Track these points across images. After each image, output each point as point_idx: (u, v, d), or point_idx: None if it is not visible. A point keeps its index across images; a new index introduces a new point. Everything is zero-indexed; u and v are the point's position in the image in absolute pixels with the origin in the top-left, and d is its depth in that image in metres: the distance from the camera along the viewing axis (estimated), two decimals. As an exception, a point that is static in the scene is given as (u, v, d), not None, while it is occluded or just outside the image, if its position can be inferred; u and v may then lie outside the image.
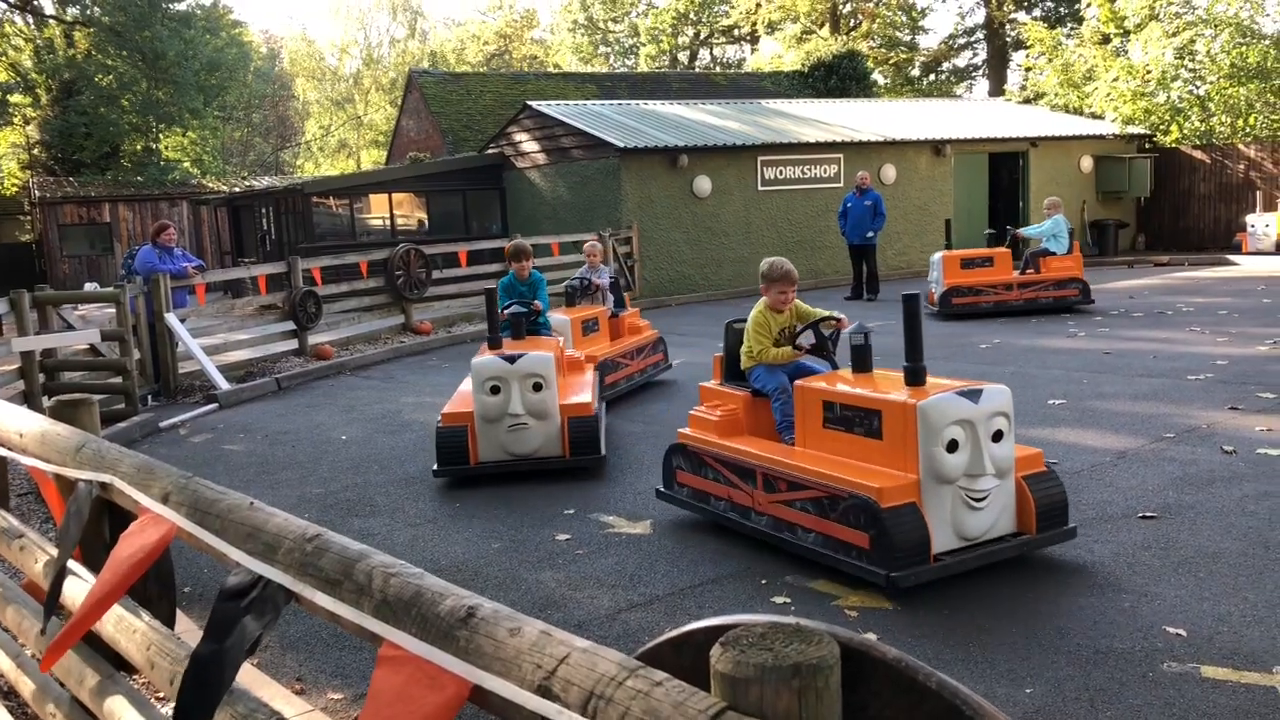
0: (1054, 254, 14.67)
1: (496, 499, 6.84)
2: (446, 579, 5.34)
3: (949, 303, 14.10)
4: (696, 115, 22.66)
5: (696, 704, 1.14)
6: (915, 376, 5.13)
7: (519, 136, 22.20)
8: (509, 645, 1.36)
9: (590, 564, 5.54)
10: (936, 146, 21.98)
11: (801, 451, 5.46)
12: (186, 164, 36.12)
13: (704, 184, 19.66)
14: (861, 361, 5.62)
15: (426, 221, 22.97)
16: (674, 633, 1.36)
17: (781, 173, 20.51)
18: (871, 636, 4.36)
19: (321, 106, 59.21)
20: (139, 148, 35.00)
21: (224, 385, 11.55)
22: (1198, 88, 24.49)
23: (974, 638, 4.35)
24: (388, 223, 22.76)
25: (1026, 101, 28.93)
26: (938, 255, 14.56)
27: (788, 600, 4.89)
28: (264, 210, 24.45)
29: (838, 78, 31.57)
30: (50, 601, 2.85)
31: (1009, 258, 14.67)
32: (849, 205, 17.18)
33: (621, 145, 18.88)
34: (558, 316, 9.56)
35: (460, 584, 5.23)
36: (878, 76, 39.11)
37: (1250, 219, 21.10)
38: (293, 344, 13.81)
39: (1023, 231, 15.61)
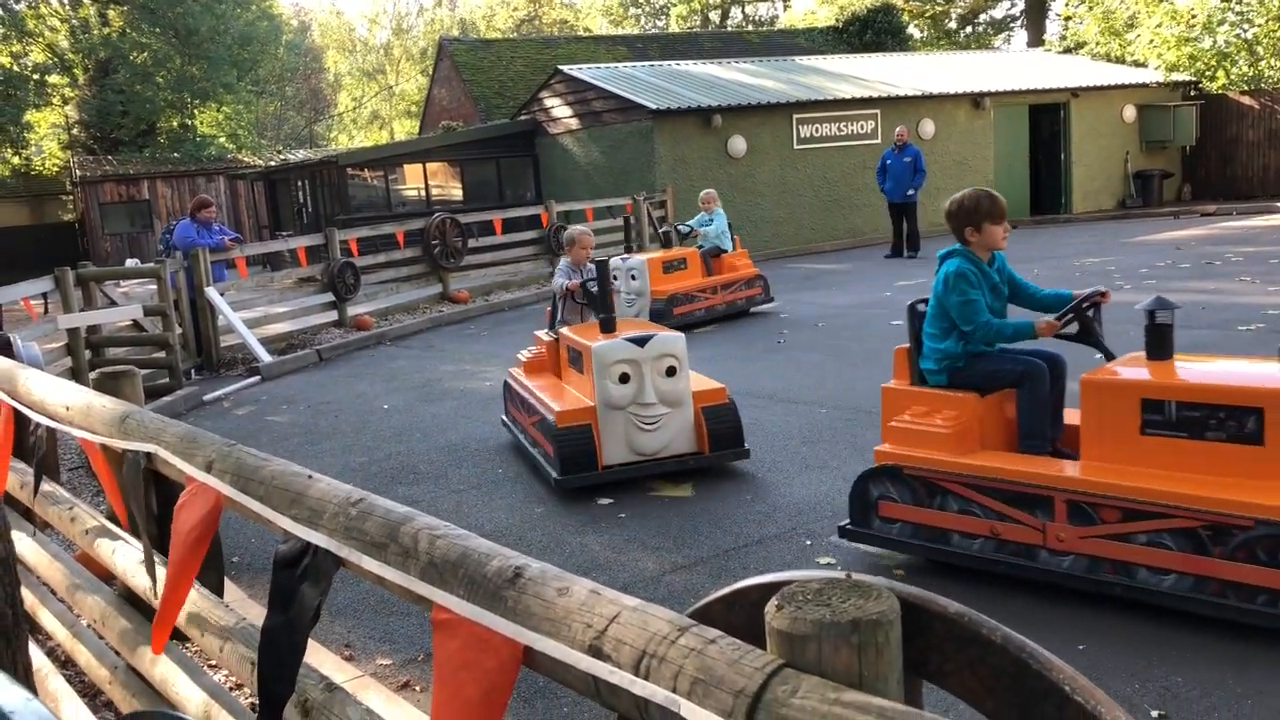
0: (726, 251, 12.75)
1: (538, 465, 6.84)
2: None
3: (672, 314, 11.28)
4: (730, 75, 22.42)
5: (752, 661, 1.11)
6: None
7: (551, 102, 22.08)
8: (558, 605, 1.33)
9: (634, 527, 5.53)
10: (975, 100, 21.61)
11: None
12: (222, 139, 36.31)
13: (739, 144, 19.47)
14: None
15: (461, 190, 22.96)
16: (725, 590, 1.33)
17: (818, 130, 20.26)
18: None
19: (353, 78, 59.25)
20: (175, 124, 35.24)
21: (266, 358, 11.64)
22: (1245, 31, 23.85)
23: (1024, 592, 4.29)
24: (423, 193, 22.78)
25: (1066, 51, 28.33)
26: (639, 259, 11.87)
27: (833, 560, 4.86)
28: (300, 183, 24.55)
29: (873, 32, 31.10)
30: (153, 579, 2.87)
31: (699, 258, 12.39)
32: (888, 162, 16.93)
33: (654, 107, 18.72)
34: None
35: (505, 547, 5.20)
36: (913, 30, 38.47)
37: (1300, 165, 20.60)
38: (332, 315, 13.89)
39: (684, 227, 13.23)
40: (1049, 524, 4.18)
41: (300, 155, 35.30)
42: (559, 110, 21.84)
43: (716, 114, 19.15)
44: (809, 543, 5.10)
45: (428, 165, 22.85)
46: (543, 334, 7.58)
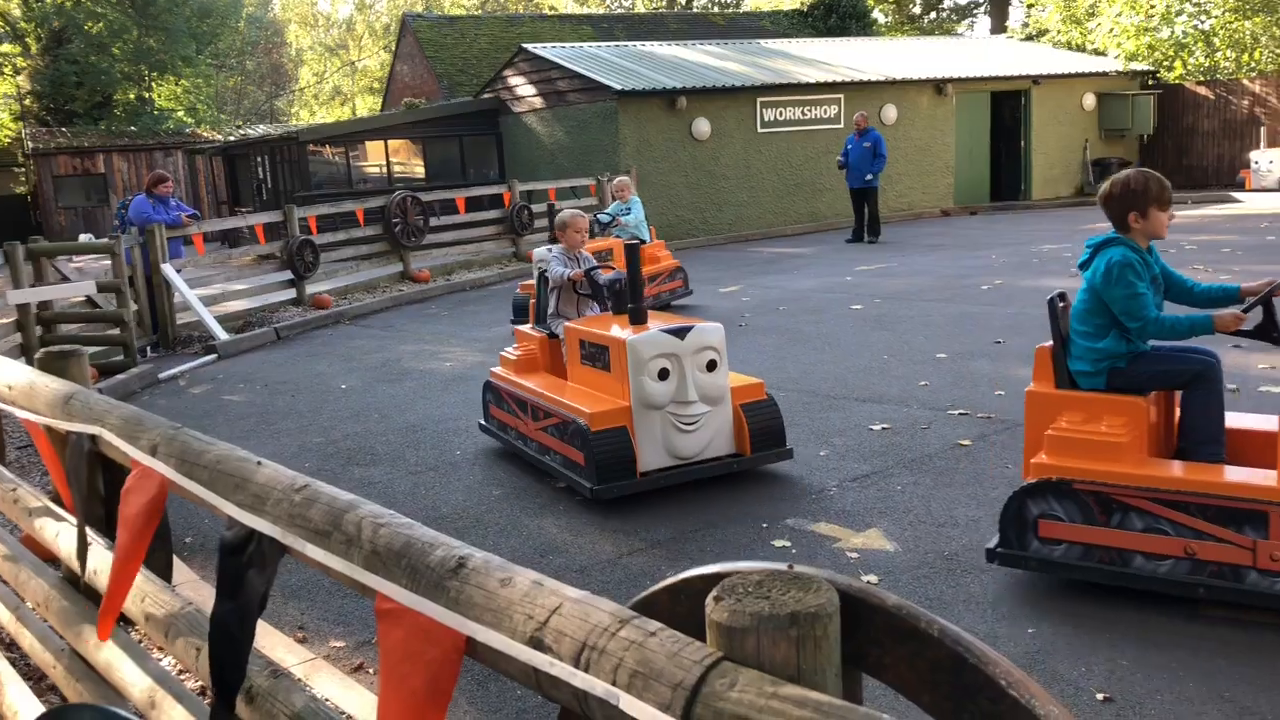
0: (645, 242, 11.76)
1: (497, 446, 6.82)
2: (447, 526, 5.32)
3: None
4: (695, 56, 22.36)
5: (691, 654, 1.10)
6: None
7: (515, 80, 21.93)
8: (500, 596, 1.32)
9: (592, 509, 5.53)
10: (938, 86, 21.71)
11: None
12: (180, 113, 35.72)
13: (703, 126, 19.45)
14: None
15: (424, 168, 22.77)
16: (671, 580, 1.33)
17: (781, 114, 20.28)
18: (873, 579, 4.35)
19: (315, 53, 58.49)
20: (131, 96, 34.60)
21: (223, 336, 11.50)
22: (1202, 22, 24.13)
23: (975, 578, 4.34)
24: (384, 170, 22.57)
25: (1029, 39, 28.52)
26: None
27: (789, 544, 4.89)
28: (259, 159, 24.24)
29: (837, 16, 31.13)
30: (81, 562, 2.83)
31: (624, 249, 12.10)
32: (849, 148, 16.98)
33: (619, 88, 18.65)
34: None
35: (461, 531, 5.21)
36: (878, 15, 38.54)
37: (1254, 155, 20.90)
38: (291, 293, 13.75)
39: (604, 216, 12.00)
40: (1261, 542, 3.74)
41: (260, 130, 34.78)
42: (523, 89, 21.69)
43: (681, 96, 19.10)
44: (765, 526, 5.12)
45: (390, 142, 22.63)
46: (527, 328, 6.94)
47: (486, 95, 22.97)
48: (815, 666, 1.09)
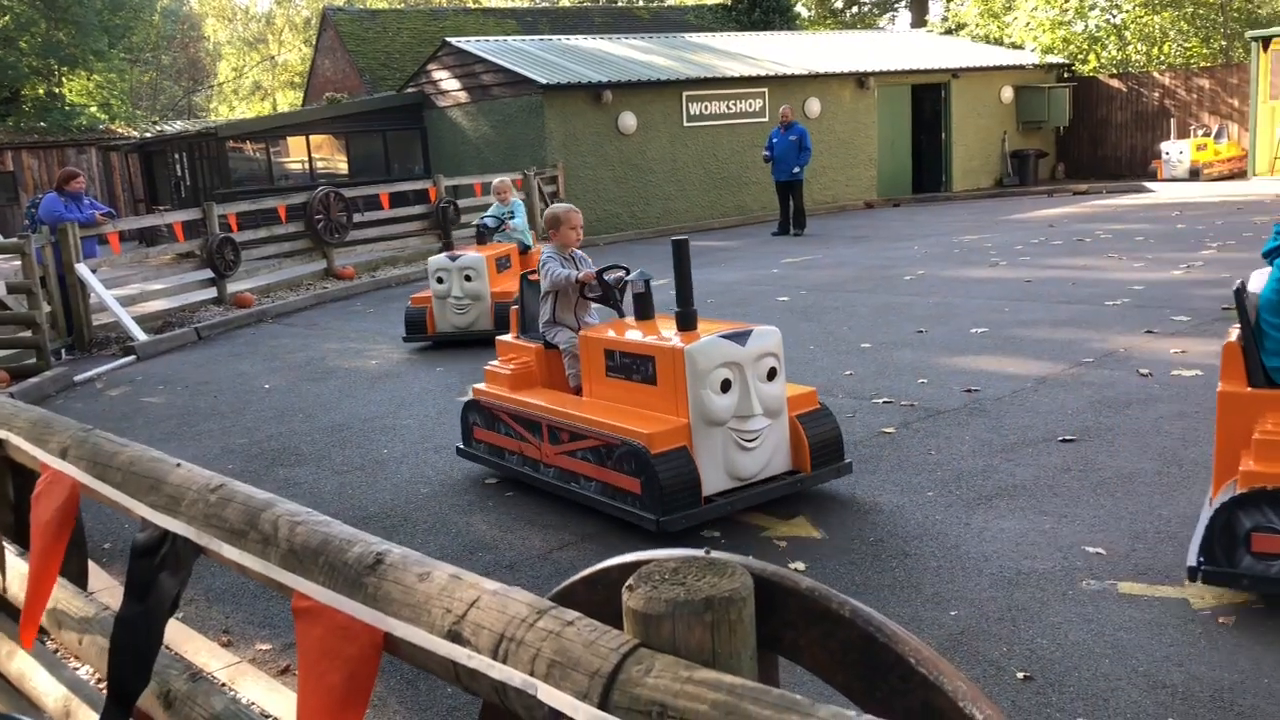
0: (530, 247, 10.88)
1: (426, 444, 6.76)
2: (375, 525, 5.26)
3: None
4: (620, 50, 22.36)
5: (608, 642, 1.11)
6: None
7: (439, 75, 21.72)
8: (418, 590, 1.32)
9: (522, 505, 5.51)
10: (860, 79, 21.97)
11: None
12: (93, 109, 34.73)
13: (629, 120, 19.46)
14: None
15: (347, 164, 22.45)
16: (588, 570, 1.34)
17: (707, 108, 20.37)
18: (800, 566, 4.40)
19: (233, 47, 57.29)
20: (41, 92, 33.56)
21: (141, 336, 11.24)
22: (1114, 16, 24.76)
23: (900, 563, 4.42)
24: (306, 166, 22.22)
25: (948, 32, 29.01)
26: (475, 255, 10.02)
27: (718, 534, 4.92)
28: (177, 156, 23.70)
29: (761, 10, 31.32)
30: None
31: (519, 255, 10.83)
32: (774, 141, 17.12)
33: (544, 82, 18.57)
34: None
35: (389, 530, 5.15)
36: (801, 9, 38.87)
37: (1165, 146, 21.49)
38: (211, 292, 13.48)
39: (490, 220, 10.92)
40: None
41: (178, 126, 33.98)
42: (447, 83, 21.50)
43: (607, 90, 19.09)
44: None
45: (311, 138, 22.27)
46: (509, 338, 6.24)
47: (410, 90, 22.72)
48: (730, 650, 1.10)
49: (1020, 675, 3.48)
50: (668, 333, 5.12)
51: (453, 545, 5.01)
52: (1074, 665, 3.52)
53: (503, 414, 5.73)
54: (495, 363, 6.09)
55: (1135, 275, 10.72)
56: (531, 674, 1.14)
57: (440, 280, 9.87)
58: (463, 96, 21.02)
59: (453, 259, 9.96)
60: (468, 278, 9.80)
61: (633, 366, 5.13)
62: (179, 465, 1.98)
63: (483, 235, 10.70)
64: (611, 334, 5.38)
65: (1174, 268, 11.02)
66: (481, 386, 6.03)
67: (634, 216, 19.75)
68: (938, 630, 3.82)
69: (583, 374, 5.50)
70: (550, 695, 1.11)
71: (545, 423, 5.40)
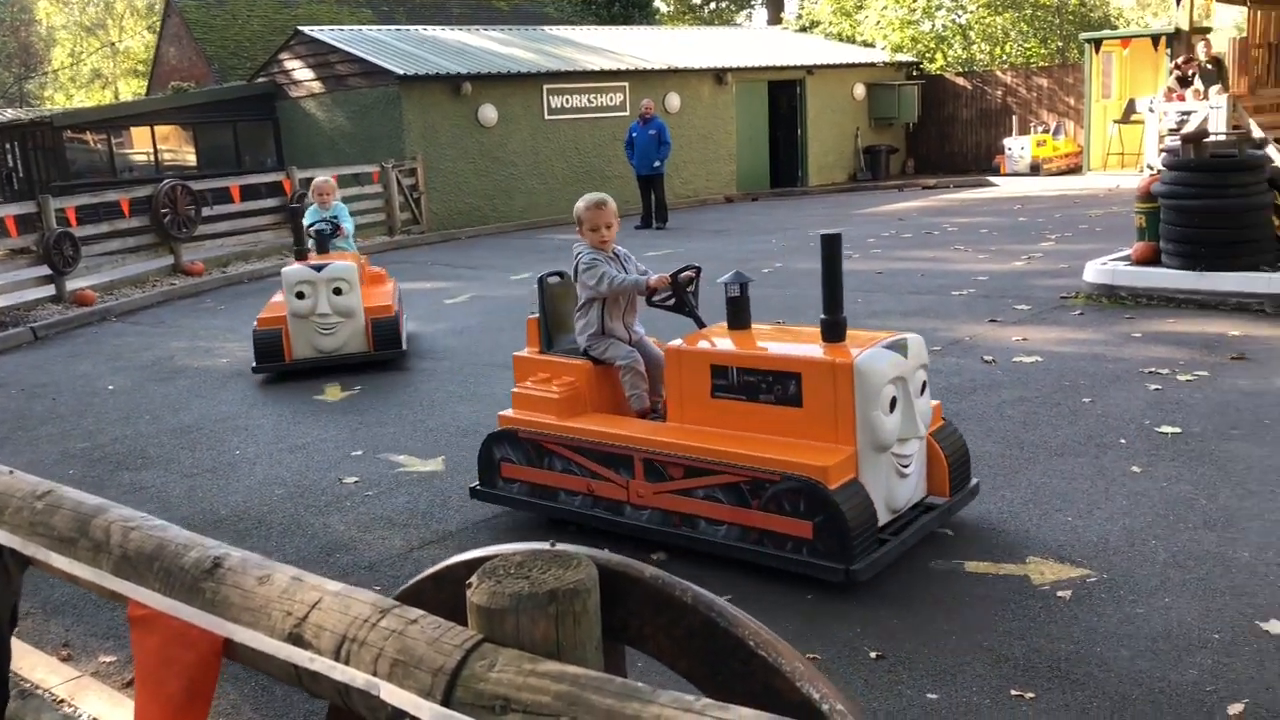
0: (348, 250, 9.38)
1: (281, 445, 6.58)
2: (226, 530, 5.07)
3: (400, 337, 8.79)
4: (479, 42, 22.12)
5: (452, 639, 1.11)
6: None
7: (291, 64, 21.09)
8: (258, 594, 1.29)
9: (381, 504, 5.42)
10: (719, 75, 22.27)
11: None
12: (-86, 95, 32.60)
13: (489, 113, 19.28)
14: None
15: (195, 155, 21.62)
16: (436, 568, 1.32)
17: (568, 101, 20.34)
18: (661, 556, 4.42)
19: (70, 32, 54.48)
20: None
21: (-30, 337, 10.61)
22: (959, 16, 25.73)
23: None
24: (152, 158, 21.31)
25: (803, 30, 29.65)
26: (344, 265, 8.51)
27: (576, 527, 4.93)
28: (9, 146, 22.41)
29: (621, 4, 31.43)
30: None
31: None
32: (634, 135, 17.24)
33: (401, 73, 18.24)
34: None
35: (241, 534, 4.99)
36: (660, 4, 39.17)
37: (1007, 142, 22.43)
38: (49, 290, 12.82)
39: (325, 226, 9.20)
40: None
41: (9, 115, 32.18)
42: (300, 73, 20.90)
43: (466, 82, 18.87)
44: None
45: (156, 128, 21.36)
46: (530, 354, 5.22)
47: (262, 79, 22.00)
48: (575, 641, 1.11)
49: (873, 654, 3.59)
50: (809, 345, 4.44)
51: (309, 548, 4.89)
52: (924, 642, 3.65)
53: (558, 447, 4.77)
54: (528, 384, 5.04)
55: (980, 266, 11.17)
56: (374, 674, 1.12)
57: (301, 295, 8.25)
58: (317, 87, 20.48)
59: (317, 269, 8.36)
60: (338, 290, 8.32)
61: (762, 385, 4.35)
62: (11, 473, 1.88)
63: (323, 242, 9.02)
64: (725, 346, 4.56)
65: (1016, 259, 11.52)
66: (512, 414, 5.03)
67: (496, 210, 19.58)
68: (793, 612, 3.91)
69: (670, 396, 4.66)
70: (393, 694, 1.09)
71: (640, 456, 4.50)
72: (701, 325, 4.90)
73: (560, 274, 5.30)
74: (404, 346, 8.67)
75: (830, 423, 4.17)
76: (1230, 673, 3.31)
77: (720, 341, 4.62)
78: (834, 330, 4.36)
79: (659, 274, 4.97)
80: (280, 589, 1.27)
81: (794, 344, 4.62)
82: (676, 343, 4.68)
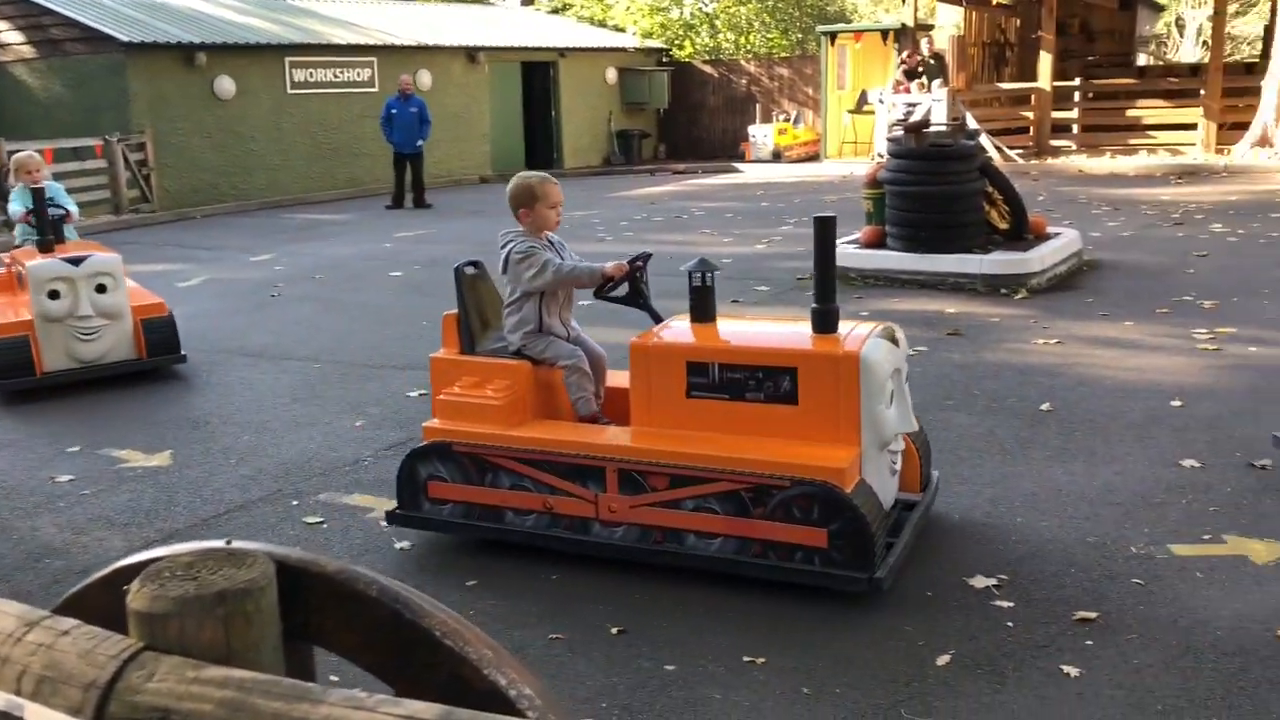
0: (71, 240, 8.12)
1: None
2: (-95, 539, 4.49)
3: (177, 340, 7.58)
4: (214, 10, 20.87)
5: (107, 649, 1.02)
6: None
7: (-2, 25, 19.24)
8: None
9: (99, 503, 5.04)
10: (471, 53, 22.00)
11: None
12: None
13: (226, 85, 18.26)
14: None
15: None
16: (104, 571, 1.22)
17: (313, 75, 19.55)
18: (405, 545, 4.31)
19: None
20: None
21: None
22: (706, 5, 26.49)
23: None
24: None
25: (555, 12, 29.72)
26: (108, 257, 7.33)
27: (321, 519, 4.77)
28: None
29: (369, -22, 30.46)
30: None
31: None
32: (394, 111, 16.80)
33: (126, 40, 16.99)
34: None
35: (-78, 543, 4.44)
36: (411, -21, 38.22)
37: (752, 130, 23.30)
38: None
39: (56, 211, 7.87)
40: None
41: None
42: (8, 36, 19.08)
43: (200, 52, 17.80)
44: (295, 503, 4.95)
45: None
46: (448, 355, 4.60)
47: (-38, 41, 19.96)
48: (248, 644, 1.04)
49: (614, 630, 3.65)
50: (797, 336, 4.10)
51: (13, 554, 4.49)
52: (665, 612, 3.74)
53: (507, 460, 4.18)
54: (456, 390, 4.38)
55: (725, 249, 11.56)
56: (18, 693, 1.02)
57: (55, 295, 6.99)
58: (28, 51, 18.77)
59: (74, 261, 7.08)
60: (101, 288, 7.09)
61: (749, 382, 3.97)
62: None
63: (58, 229, 7.77)
64: (704, 341, 4.17)
65: (757, 242, 12.00)
66: (439, 424, 4.36)
67: (235, 187, 18.60)
68: (546, 598, 3.92)
69: (635, 398, 4.18)
70: (39, 715, 1.00)
71: (614, 466, 3.99)
72: (658, 319, 4.45)
73: (476, 264, 4.70)
74: (182, 350, 7.44)
75: (830, 421, 3.85)
76: (940, 627, 3.57)
77: (709, 336, 4.21)
78: (825, 320, 4.00)
79: (615, 261, 4.45)
80: (-90, 606, 1.14)
81: (781, 336, 4.28)
82: (643, 336, 4.25)
